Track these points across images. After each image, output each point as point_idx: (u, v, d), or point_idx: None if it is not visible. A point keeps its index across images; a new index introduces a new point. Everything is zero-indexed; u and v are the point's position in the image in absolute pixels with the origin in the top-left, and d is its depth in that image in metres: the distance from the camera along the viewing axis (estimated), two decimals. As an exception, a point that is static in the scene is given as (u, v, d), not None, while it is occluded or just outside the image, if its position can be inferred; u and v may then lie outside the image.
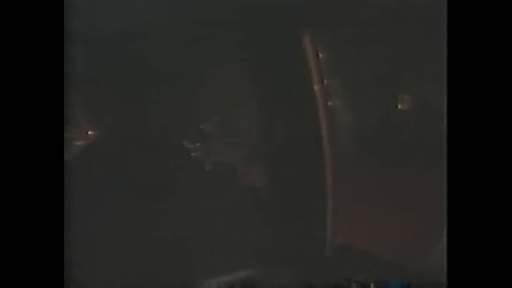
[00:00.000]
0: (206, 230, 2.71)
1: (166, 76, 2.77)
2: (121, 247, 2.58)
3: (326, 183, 2.86)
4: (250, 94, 2.95)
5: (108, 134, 2.85)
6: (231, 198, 2.82)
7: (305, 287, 2.62)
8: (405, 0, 2.72)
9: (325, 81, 2.91)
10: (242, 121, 2.98)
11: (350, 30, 2.89)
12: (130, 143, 2.75)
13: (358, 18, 2.82)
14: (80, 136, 2.81)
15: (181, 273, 2.60)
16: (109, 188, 2.65)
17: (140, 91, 2.75)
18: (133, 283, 2.52)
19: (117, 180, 2.67)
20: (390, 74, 2.93)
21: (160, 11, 2.63)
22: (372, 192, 2.84)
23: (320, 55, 2.91)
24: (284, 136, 2.93)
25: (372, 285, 2.57)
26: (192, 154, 2.90)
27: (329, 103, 2.91)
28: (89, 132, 2.83)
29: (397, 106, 2.97)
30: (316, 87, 2.89)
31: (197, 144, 2.90)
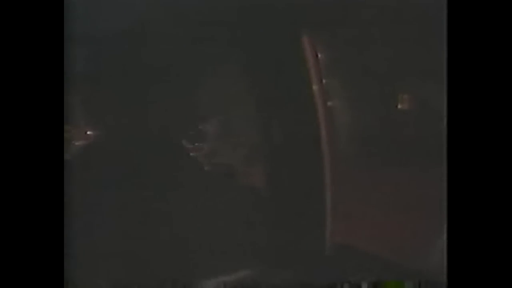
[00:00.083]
0: (206, 230, 2.71)
1: (166, 76, 2.77)
2: (121, 247, 2.58)
3: (326, 183, 2.86)
4: (249, 94, 2.95)
5: (107, 134, 2.85)
6: (230, 198, 2.82)
7: (305, 287, 2.62)
8: (405, 0, 2.72)
9: (324, 81, 2.91)
10: (241, 121, 2.98)
11: (350, 30, 2.89)
12: (129, 143, 2.75)
13: (358, 18, 2.82)
14: (80, 136, 2.81)
15: (181, 273, 2.60)
16: (109, 188, 2.65)
17: (140, 91, 2.75)
18: (133, 283, 2.52)
19: (116, 180, 2.67)
20: (390, 74, 2.93)
21: (160, 11, 2.63)
22: (372, 192, 2.84)
23: (319, 55, 2.91)
24: (283, 136, 2.93)
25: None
26: (192, 154, 2.90)
27: (329, 103, 2.91)
28: (89, 132, 2.83)
29: (397, 106, 2.97)
30: (315, 87, 2.89)
31: (196, 144, 2.90)
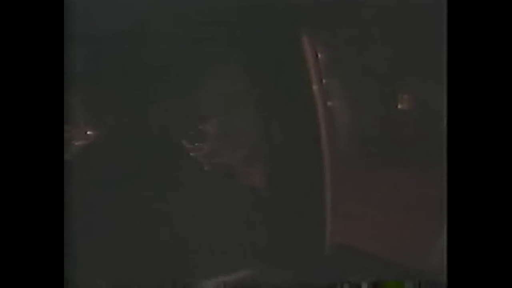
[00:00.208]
0: (206, 230, 2.71)
1: (165, 76, 2.77)
2: (121, 247, 2.58)
3: (326, 183, 2.86)
4: (249, 94, 2.95)
5: (107, 134, 2.85)
6: (230, 198, 2.82)
7: (305, 287, 2.62)
8: (405, 0, 2.72)
9: (324, 81, 2.91)
10: (241, 121, 2.98)
11: (350, 30, 2.90)
12: (129, 143, 2.75)
13: (358, 18, 2.82)
14: (80, 136, 2.81)
15: (181, 273, 2.60)
16: (109, 188, 2.65)
17: (140, 91, 2.75)
18: (133, 283, 2.52)
19: (116, 180, 2.67)
20: (390, 74, 2.93)
21: (160, 11, 2.62)
22: (372, 192, 2.84)
23: (319, 55, 2.91)
24: (283, 136, 2.93)
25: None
26: (192, 154, 2.90)
27: (329, 103, 2.91)
28: (88, 132, 2.83)
29: (397, 106, 2.97)
30: (315, 87, 2.89)
31: (196, 144, 2.90)
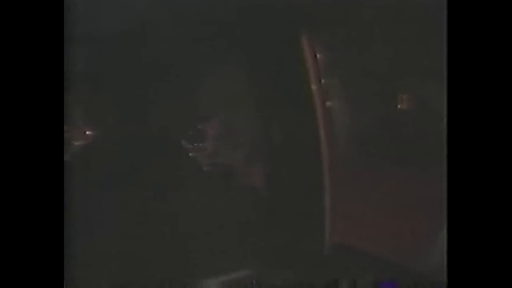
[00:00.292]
0: (206, 230, 2.71)
1: (165, 76, 2.77)
2: (121, 247, 2.58)
3: (325, 183, 2.86)
4: (248, 94, 2.95)
5: (107, 134, 2.85)
6: (230, 198, 2.82)
7: (305, 287, 2.62)
8: (405, 0, 2.72)
9: (323, 81, 2.91)
10: (240, 121, 2.98)
11: (349, 30, 2.89)
12: (129, 143, 2.75)
13: (357, 18, 2.82)
14: (79, 136, 2.81)
15: (181, 273, 2.60)
16: (108, 188, 2.65)
17: (139, 91, 2.75)
18: (132, 283, 2.52)
19: (116, 180, 2.67)
20: (389, 74, 2.93)
21: (160, 11, 2.62)
22: (372, 192, 2.84)
23: (318, 56, 2.91)
24: (283, 136, 2.93)
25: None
26: (191, 154, 2.91)
27: (328, 103, 2.91)
28: (88, 132, 2.83)
29: (397, 106, 2.97)
30: (314, 87, 2.89)
31: (195, 144, 2.90)
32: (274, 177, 2.97)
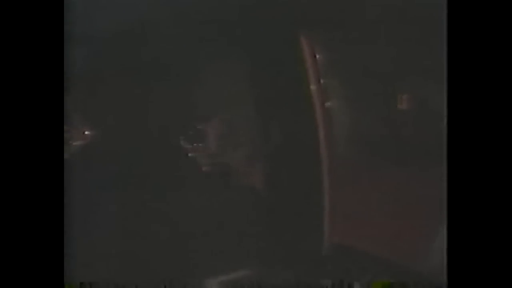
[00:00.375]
0: (205, 230, 2.71)
1: (165, 76, 2.77)
2: (121, 247, 2.58)
3: (325, 183, 2.86)
4: (248, 94, 2.95)
5: (105, 134, 2.84)
6: (229, 199, 2.82)
7: (304, 287, 2.62)
8: (405, 0, 2.72)
9: (322, 81, 2.91)
10: (239, 121, 2.97)
11: (348, 30, 2.89)
12: (129, 143, 2.75)
13: (356, 18, 2.82)
14: (78, 136, 2.80)
15: (180, 273, 2.60)
16: (108, 189, 2.64)
17: (139, 91, 2.75)
18: (132, 283, 2.52)
19: (116, 180, 2.67)
20: (389, 74, 2.93)
21: (160, 11, 2.62)
22: (372, 192, 2.84)
23: (318, 56, 2.91)
24: (282, 136, 2.93)
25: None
26: (190, 155, 2.90)
27: (327, 104, 2.91)
28: (87, 132, 2.83)
29: (396, 106, 2.97)
30: (313, 88, 2.89)
31: (195, 144, 2.90)
32: (273, 177, 2.96)
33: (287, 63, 2.89)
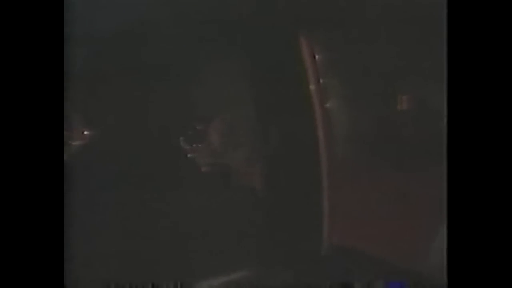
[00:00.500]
0: (204, 230, 2.71)
1: (164, 76, 2.77)
2: (120, 247, 2.58)
3: (324, 183, 2.86)
4: (247, 94, 2.95)
5: (105, 134, 2.84)
6: (228, 199, 2.82)
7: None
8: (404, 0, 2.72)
9: (321, 81, 2.91)
10: (239, 121, 2.97)
11: (348, 30, 2.90)
12: (128, 143, 2.75)
13: (356, 18, 2.82)
14: (78, 136, 2.80)
15: (180, 273, 2.60)
16: (108, 189, 2.64)
17: (139, 91, 2.75)
18: (132, 283, 2.52)
19: (115, 180, 2.67)
20: (389, 74, 2.93)
21: (158, 11, 2.62)
22: (371, 192, 2.84)
23: (317, 56, 2.91)
24: (281, 136, 2.93)
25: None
26: (190, 155, 2.90)
27: (327, 104, 2.91)
28: (85, 132, 2.83)
29: (396, 106, 2.97)
30: (313, 88, 2.89)
31: (194, 144, 2.90)
32: (273, 178, 2.96)
33: (287, 63, 2.89)
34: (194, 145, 2.90)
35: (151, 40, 2.68)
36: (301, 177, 2.90)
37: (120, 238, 2.59)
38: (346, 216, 2.84)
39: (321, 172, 2.87)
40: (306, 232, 2.86)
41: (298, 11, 2.72)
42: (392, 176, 2.85)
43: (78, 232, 2.26)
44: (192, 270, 2.64)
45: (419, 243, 2.77)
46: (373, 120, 2.96)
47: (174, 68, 2.76)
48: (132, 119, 2.78)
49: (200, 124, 2.92)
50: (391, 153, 2.89)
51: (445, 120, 2.04)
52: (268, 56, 2.87)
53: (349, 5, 2.74)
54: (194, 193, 2.75)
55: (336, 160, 2.88)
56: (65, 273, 1.97)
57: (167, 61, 2.75)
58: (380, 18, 2.77)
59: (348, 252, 2.84)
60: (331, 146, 2.88)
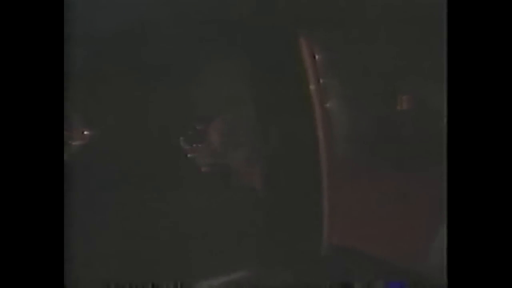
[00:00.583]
0: (204, 230, 2.71)
1: (164, 76, 2.77)
2: (120, 247, 2.58)
3: (324, 183, 2.86)
4: (247, 94, 2.95)
5: (105, 134, 2.84)
6: (228, 199, 2.82)
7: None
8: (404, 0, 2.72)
9: (321, 81, 2.91)
10: (239, 121, 2.97)
11: (348, 31, 2.90)
12: (128, 143, 2.75)
13: (356, 18, 2.82)
14: (77, 136, 2.80)
15: (180, 273, 2.60)
16: (108, 189, 2.64)
17: (139, 91, 2.75)
18: (132, 283, 2.52)
19: (115, 180, 2.67)
20: (389, 74, 2.93)
21: (158, 11, 2.62)
22: (371, 192, 2.84)
23: (317, 56, 2.91)
24: (281, 136, 2.93)
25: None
26: (190, 155, 2.90)
27: (327, 104, 2.91)
28: (85, 132, 2.83)
29: (396, 106, 2.98)
30: (313, 88, 2.89)
31: (194, 144, 2.90)
32: (273, 178, 2.96)
33: (287, 63, 2.89)
34: (194, 145, 2.90)
35: (151, 40, 2.68)
36: (301, 177, 2.90)
37: (120, 238, 2.59)
38: (346, 216, 2.85)
39: (321, 172, 2.87)
40: (306, 232, 2.86)
41: (298, 11, 2.72)
42: (392, 176, 2.85)
43: (78, 232, 2.25)
44: (192, 270, 2.64)
45: (419, 243, 2.77)
46: (373, 120, 2.96)
47: (174, 68, 2.76)
48: (132, 119, 2.78)
49: (200, 124, 2.92)
50: (391, 153, 2.89)
51: (445, 120, 2.04)
52: (268, 56, 2.87)
53: (349, 5, 2.74)
54: (194, 193, 2.75)
55: (336, 160, 2.88)
56: (65, 273, 1.96)
57: (167, 61, 2.75)
58: (380, 18, 2.77)
59: (348, 252, 2.84)
60: (331, 146, 2.88)
